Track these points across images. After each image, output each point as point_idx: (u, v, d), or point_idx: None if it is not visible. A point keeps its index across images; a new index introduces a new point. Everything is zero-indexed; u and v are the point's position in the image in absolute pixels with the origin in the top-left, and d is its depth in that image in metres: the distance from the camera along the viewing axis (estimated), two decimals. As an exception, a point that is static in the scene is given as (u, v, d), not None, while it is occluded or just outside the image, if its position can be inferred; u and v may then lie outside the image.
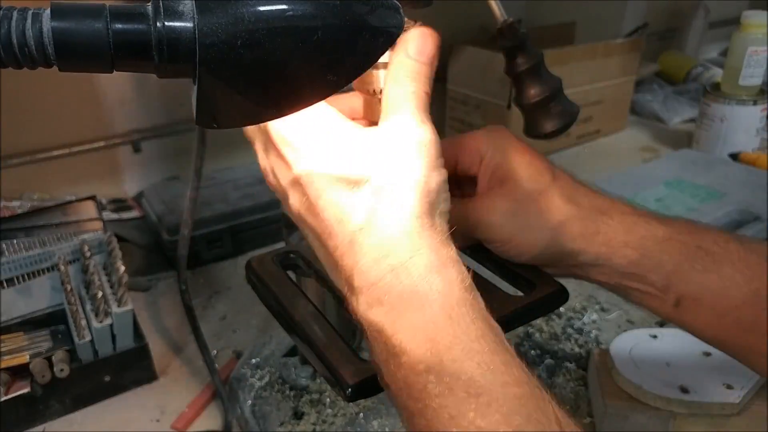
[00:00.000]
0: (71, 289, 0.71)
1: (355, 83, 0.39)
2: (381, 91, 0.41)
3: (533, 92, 0.45)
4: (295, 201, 0.35)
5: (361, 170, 0.33)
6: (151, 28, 0.26)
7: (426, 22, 0.41)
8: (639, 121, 1.54)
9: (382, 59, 0.35)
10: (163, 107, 1.14)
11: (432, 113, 0.35)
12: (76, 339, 0.67)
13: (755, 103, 1.22)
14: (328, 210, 0.33)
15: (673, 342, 0.66)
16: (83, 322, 0.68)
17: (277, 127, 0.34)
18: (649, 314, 0.83)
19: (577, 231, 0.42)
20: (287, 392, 0.65)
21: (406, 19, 0.35)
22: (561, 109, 0.46)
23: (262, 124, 0.35)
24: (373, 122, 0.44)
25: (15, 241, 0.75)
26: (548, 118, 0.46)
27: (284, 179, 0.35)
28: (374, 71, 0.37)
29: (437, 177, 0.34)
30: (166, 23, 0.26)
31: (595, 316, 0.83)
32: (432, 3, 0.40)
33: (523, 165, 0.42)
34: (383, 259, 0.32)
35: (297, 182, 0.34)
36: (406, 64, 0.35)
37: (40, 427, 0.68)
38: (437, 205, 0.34)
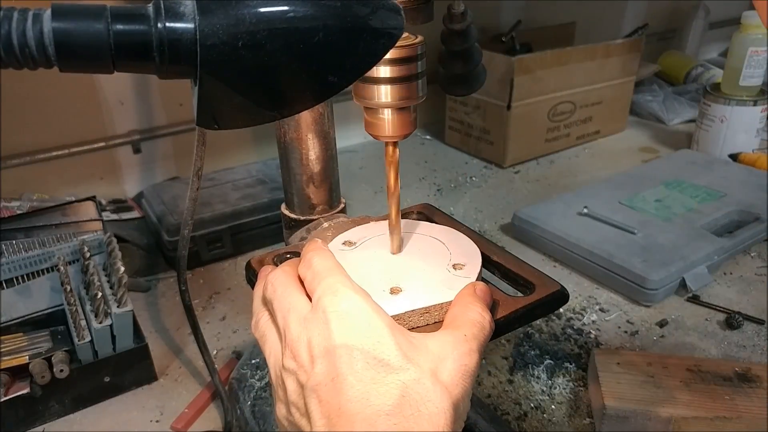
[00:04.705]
0: (71, 290, 0.71)
1: (356, 97, 0.39)
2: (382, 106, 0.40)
3: (459, 66, 0.54)
4: (321, 370, 0.32)
5: (403, 360, 0.32)
6: (152, 29, 0.26)
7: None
8: (639, 122, 1.54)
9: (383, 74, 0.35)
10: (163, 108, 1.14)
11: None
12: (75, 340, 0.67)
13: (755, 103, 1.22)
14: (355, 386, 0.31)
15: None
16: (83, 323, 0.68)
17: (337, 300, 0.33)
18: (648, 314, 0.83)
19: None
20: (287, 393, 0.65)
21: (406, 34, 0.35)
22: (472, 80, 0.56)
23: (316, 282, 0.34)
24: (376, 135, 0.43)
25: (15, 242, 0.75)
26: (461, 86, 0.57)
27: (318, 346, 0.32)
28: (374, 87, 0.37)
29: (467, 401, 0.34)
30: (167, 24, 0.26)
31: (594, 317, 0.83)
32: (432, 19, 0.40)
33: None
34: None
35: (331, 352, 0.32)
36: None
37: (39, 428, 0.68)
38: (460, 423, 0.33)
